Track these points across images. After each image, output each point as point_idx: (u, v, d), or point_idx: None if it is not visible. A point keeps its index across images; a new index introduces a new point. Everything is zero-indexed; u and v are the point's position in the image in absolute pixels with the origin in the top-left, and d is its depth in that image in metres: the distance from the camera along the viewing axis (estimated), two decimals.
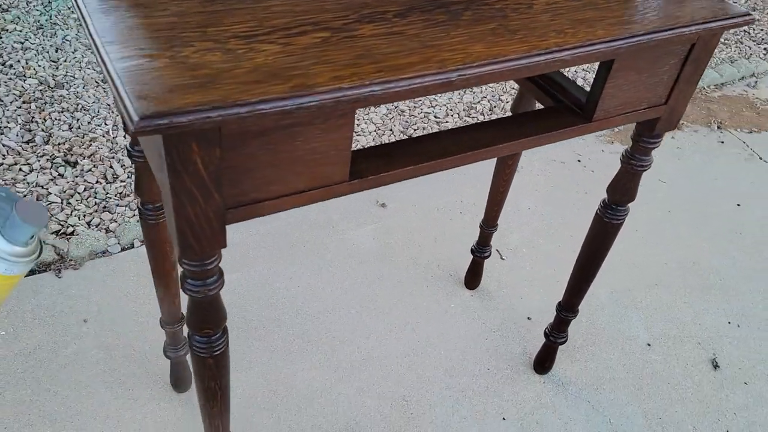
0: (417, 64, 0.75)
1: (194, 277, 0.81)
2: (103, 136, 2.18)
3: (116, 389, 1.44)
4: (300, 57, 0.73)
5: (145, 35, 0.72)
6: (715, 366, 1.67)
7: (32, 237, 1.03)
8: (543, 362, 1.56)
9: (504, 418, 1.48)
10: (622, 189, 1.21)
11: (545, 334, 1.51)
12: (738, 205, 2.25)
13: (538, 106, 2.29)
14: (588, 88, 1.10)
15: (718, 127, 2.69)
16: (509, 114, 2.52)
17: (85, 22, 0.74)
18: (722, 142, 2.60)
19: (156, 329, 1.57)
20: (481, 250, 1.69)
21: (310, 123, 0.73)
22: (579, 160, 2.35)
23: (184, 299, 1.31)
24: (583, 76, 2.93)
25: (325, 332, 1.63)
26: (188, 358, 1.41)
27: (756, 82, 3.10)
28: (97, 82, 2.43)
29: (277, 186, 0.77)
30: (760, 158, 2.53)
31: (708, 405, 1.58)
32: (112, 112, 2.29)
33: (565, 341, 1.51)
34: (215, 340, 0.90)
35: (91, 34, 0.72)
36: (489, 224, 1.63)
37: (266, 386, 1.48)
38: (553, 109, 1.02)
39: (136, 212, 1.90)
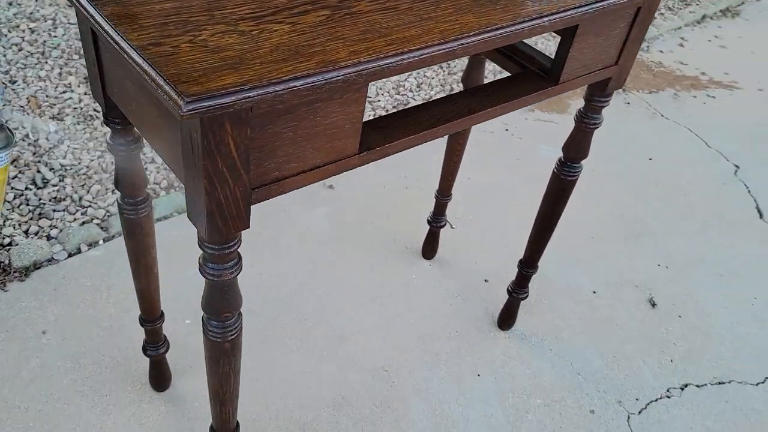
0: (421, 36, 0.79)
1: (215, 261, 0.82)
2: (23, 140, 2.05)
3: (92, 397, 1.39)
4: (312, 35, 0.75)
5: (156, 22, 0.72)
6: (653, 305, 1.84)
7: None
8: (507, 319, 1.66)
9: (479, 375, 1.57)
10: (577, 147, 1.31)
11: (508, 291, 1.61)
12: (650, 159, 2.45)
13: (488, 76, 2.37)
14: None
15: (623, 90, 2.91)
16: (436, 88, 2.61)
17: (87, 11, 0.72)
18: (628, 104, 2.81)
19: (123, 332, 1.53)
20: (437, 219, 1.76)
21: (330, 98, 0.75)
22: (507, 129, 2.47)
23: (163, 295, 1.29)
24: None
25: (296, 316, 1.64)
26: (167, 355, 1.39)
27: (648, 47, 3.37)
28: (4, 83, 2.27)
29: (296, 163, 0.79)
30: (662, 116, 2.76)
31: (652, 339, 1.74)
32: (27, 113, 2.16)
33: (527, 296, 1.61)
34: (231, 325, 0.91)
35: (98, 23, 0.71)
36: (444, 194, 1.70)
37: (247, 375, 1.48)
38: (522, 75, 1.09)
39: (77, 215, 1.82)
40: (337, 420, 1.43)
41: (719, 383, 1.65)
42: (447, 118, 0.94)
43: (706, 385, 1.64)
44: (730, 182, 2.38)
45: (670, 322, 1.80)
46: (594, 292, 1.85)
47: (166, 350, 1.36)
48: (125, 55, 0.66)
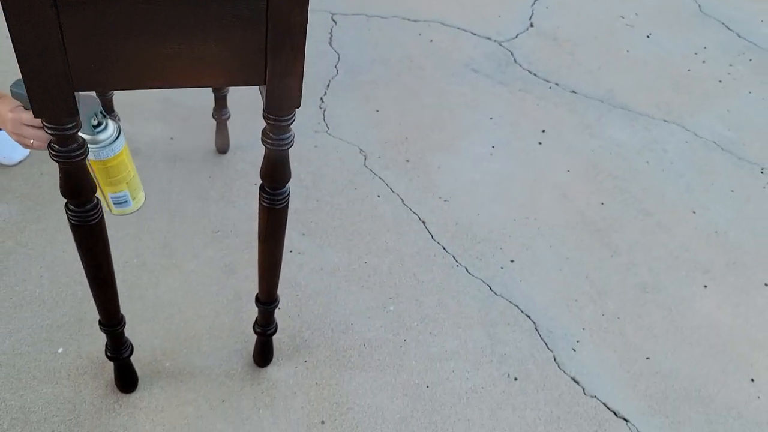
0: None
1: (282, 132, 1.04)
2: None
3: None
4: None
5: None
6: (328, 126, 2.45)
7: (97, 124, 1.06)
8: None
9: (304, 234, 1.95)
10: None
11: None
12: None
13: None
14: None
15: None
16: None
17: None
18: None
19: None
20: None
21: None
22: None
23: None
24: None
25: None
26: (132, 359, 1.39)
27: None
28: None
29: None
30: None
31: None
32: None
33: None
34: (283, 192, 1.15)
35: None
36: None
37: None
38: None
39: None
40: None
41: None
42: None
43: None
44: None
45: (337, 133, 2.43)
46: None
47: (130, 353, 1.35)
48: None
